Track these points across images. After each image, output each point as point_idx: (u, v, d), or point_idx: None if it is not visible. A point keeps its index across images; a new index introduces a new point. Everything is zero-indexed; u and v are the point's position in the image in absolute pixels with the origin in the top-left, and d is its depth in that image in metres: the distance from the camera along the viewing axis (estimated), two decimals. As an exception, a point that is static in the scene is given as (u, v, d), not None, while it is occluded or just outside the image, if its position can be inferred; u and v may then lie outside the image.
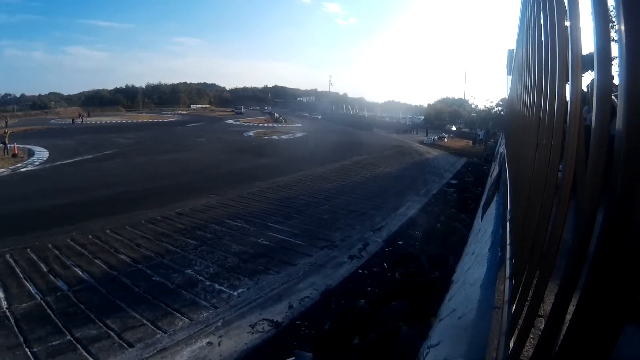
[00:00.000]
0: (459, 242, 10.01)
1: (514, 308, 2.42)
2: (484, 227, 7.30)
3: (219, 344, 7.55)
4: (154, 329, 8.08)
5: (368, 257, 12.12)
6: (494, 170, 14.36)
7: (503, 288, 3.25)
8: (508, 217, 4.87)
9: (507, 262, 3.53)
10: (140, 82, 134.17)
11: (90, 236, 13.38)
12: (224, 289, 9.67)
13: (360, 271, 11.09)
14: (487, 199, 10.09)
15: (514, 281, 2.90)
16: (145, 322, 8.32)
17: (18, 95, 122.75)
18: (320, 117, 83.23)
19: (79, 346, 7.64)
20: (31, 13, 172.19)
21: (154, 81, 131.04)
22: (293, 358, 6.93)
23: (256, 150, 35.12)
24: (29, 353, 7.51)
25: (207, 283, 9.95)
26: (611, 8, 1.17)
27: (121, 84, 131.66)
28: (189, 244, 12.71)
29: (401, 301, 7.73)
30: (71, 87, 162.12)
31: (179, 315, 8.52)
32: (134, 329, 8.12)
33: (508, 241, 4.01)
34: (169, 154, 32.55)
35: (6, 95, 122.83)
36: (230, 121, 66.95)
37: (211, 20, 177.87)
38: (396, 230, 14.69)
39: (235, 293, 9.50)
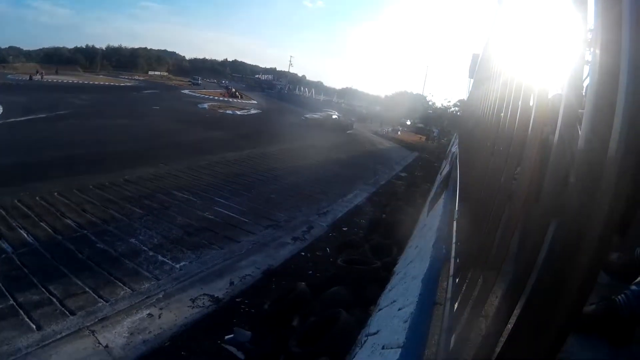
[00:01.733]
0: (403, 235, 10.11)
1: (456, 306, 2.51)
2: (429, 223, 7.51)
3: (159, 316, 7.75)
4: (96, 297, 8.17)
5: (311, 240, 12.42)
6: (445, 169, 14.61)
7: (446, 285, 3.33)
8: (455, 216, 5.03)
9: (452, 260, 3.63)
10: (100, 43, 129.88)
11: (37, 198, 13.17)
12: (167, 261, 9.80)
13: (302, 254, 11.36)
14: (435, 196, 10.29)
15: (457, 279, 2.99)
16: (87, 289, 8.38)
17: None
18: (274, 95, 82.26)
19: (20, 311, 7.65)
20: None
21: (115, 43, 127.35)
22: (232, 335, 6.96)
23: (210, 123, 35.04)
24: None
25: (151, 254, 10.07)
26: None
27: (82, 43, 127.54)
28: (135, 212, 12.74)
29: (342, 287, 7.86)
30: (31, 42, 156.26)
31: (121, 285, 8.63)
32: (76, 296, 8.18)
33: (454, 240, 4.14)
34: (122, 119, 31.87)
35: None
36: (186, 91, 65.94)
37: None
38: (341, 216, 15.00)
39: (177, 265, 9.65)
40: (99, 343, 6.89)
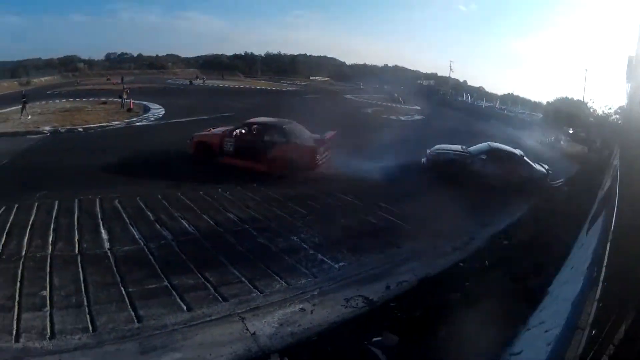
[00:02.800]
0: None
1: (593, 332, 2.42)
2: (587, 242, 7.11)
3: (312, 312, 7.89)
4: (251, 287, 8.61)
5: (471, 251, 11.88)
6: (606, 183, 13.71)
7: (590, 310, 3.16)
8: (610, 236, 4.61)
9: (600, 283, 3.42)
10: (259, 51, 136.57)
11: (200, 192, 14.39)
12: (326, 260, 9.96)
13: (461, 264, 10.99)
14: (595, 213, 9.73)
15: (601, 304, 2.85)
16: (243, 279, 8.88)
17: (135, 55, 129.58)
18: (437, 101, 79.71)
19: (174, 292, 8.39)
20: None
21: (274, 51, 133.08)
22: (380, 338, 7.08)
23: (373, 127, 34.17)
24: (123, 292, 8.38)
25: (311, 252, 10.30)
26: None
27: (240, 51, 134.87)
28: (297, 211, 13.13)
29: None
30: (189, 51, 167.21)
31: (278, 278, 8.97)
32: (231, 284, 8.72)
33: (605, 262, 3.86)
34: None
35: (123, 54, 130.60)
36: (348, 96, 66.59)
37: None
38: (503, 228, 14.24)
39: (336, 265, 9.77)
40: (247, 330, 7.23)
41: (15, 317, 7.86)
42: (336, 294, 8.58)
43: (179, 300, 8.15)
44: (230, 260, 9.69)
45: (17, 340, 7.29)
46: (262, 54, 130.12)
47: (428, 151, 20.18)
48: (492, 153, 19.29)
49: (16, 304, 8.24)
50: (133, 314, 7.74)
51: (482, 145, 20.31)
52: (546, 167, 19.47)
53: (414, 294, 8.86)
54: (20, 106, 33.55)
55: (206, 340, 7.09)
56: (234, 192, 14.58)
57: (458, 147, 20.56)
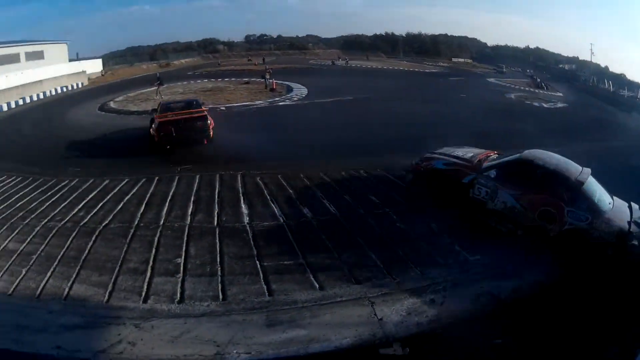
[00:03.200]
0: None
1: None
2: None
3: (441, 304, 7.68)
4: (385, 272, 8.56)
5: None
6: None
7: None
8: None
9: None
10: (400, 31, 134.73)
11: (343, 173, 14.63)
12: (462, 251, 9.48)
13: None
14: None
15: None
16: (378, 263, 8.86)
17: (275, 36, 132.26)
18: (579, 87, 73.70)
19: (308, 270, 8.63)
20: None
21: (414, 30, 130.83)
22: (500, 340, 6.77)
23: (516, 114, 32.23)
24: (258, 265, 8.81)
25: (448, 241, 9.91)
26: None
27: (380, 31, 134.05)
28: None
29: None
30: (329, 32, 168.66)
31: (412, 266, 8.80)
32: (365, 267, 8.74)
33: None
34: (429, 104, 32.44)
35: (262, 35, 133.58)
36: (492, 80, 63.85)
37: None
38: None
39: (471, 258, 9.28)
40: (375, 314, 7.24)
41: (146, 280, 8.61)
42: (467, 288, 8.27)
43: (312, 278, 8.37)
44: (368, 243, 9.70)
45: (145, 301, 7.96)
46: (403, 34, 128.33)
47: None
48: (518, 166, 10.84)
49: (149, 268, 9.04)
50: (265, 287, 8.09)
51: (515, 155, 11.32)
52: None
53: (546, 297, 8.24)
54: (155, 87, 36.09)
55: (333, 320, 7.21)
56: (376, 174, 14.53)
57: (468, 151, 12.73)
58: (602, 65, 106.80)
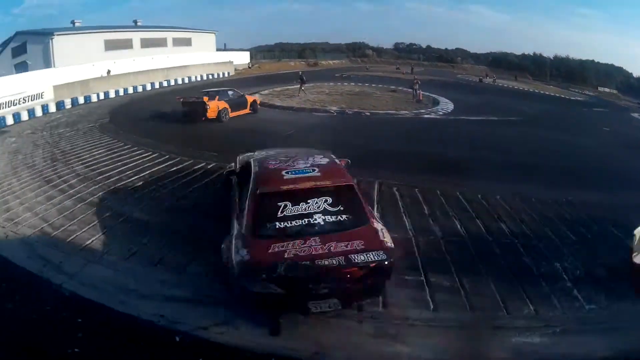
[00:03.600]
0: None
1: None
2: None
3: (546, 348, 7.47)
4: (500, 304, 8.48)
5: None
6: None
7: None
8: None
9: None
10: (547, 52, 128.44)
11: (479, 196, 14.40)
12: (580, 298, 9.01)
13: None
14: None
15: None
16: (496, 294, 8.78)
17: (424, 46, 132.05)
18: None
19: (426, 288, 8.81)
20: None
21: (562, 53, 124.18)
22: None
23: None
24: None
25: (568, 284, 9.48)
26: None
27: (528, 50, 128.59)
28: (568, 237, 11.93)
29: None
30: (478, 46, 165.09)
31: (528, 303, 8.58)
32: (482, 296, 8.71)
33: None
34: (574, 135, 30.45)
35: (411, 44, 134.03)
36: (635, 115, 58.90)
37: None
38: None
39: (587, 307, 8.78)
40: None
41: None
42: (577, 338, 7.86)
43: (428, 297, 8.51)
44: (490, 271, 9.61)
45: None
46: (551, 56, 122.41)
47: None
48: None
49: None
50: (381, 298, 8.25)
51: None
52: None
53: None
54: (298, 86, 37.52)
55: (438, 343, 7.32)
56: (512, 202, 14.16)
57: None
58: None
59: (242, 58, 77.49)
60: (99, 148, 19.90)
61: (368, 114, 30.58)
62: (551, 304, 8.71)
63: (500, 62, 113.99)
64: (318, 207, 7.66)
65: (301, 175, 8.40)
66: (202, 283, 8.76)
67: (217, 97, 26.46)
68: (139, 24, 69.77)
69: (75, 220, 11.94)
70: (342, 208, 7.81)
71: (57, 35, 50.51)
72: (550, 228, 12.40)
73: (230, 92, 27.86)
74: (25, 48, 52.57)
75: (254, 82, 49.40)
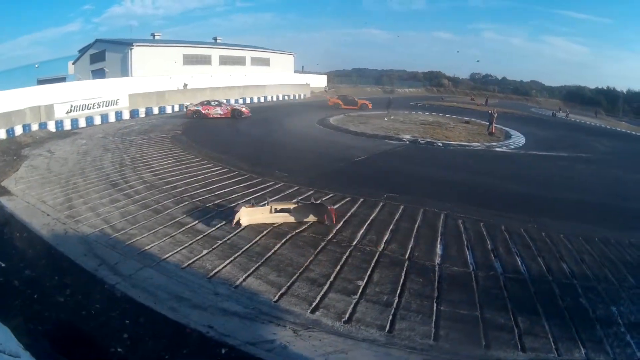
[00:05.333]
0: None
1: None
2: None
3: None
4: (552, 346, 8.28)
5: None
6: None
7: None
8: None
9: None
10: (621, 86, 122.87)
11: (543, 234, 13.95)
12: (632, 344, 8.72)
13: None
14: None
15: None
16: (549, 335, 8.57)
17: (499, 78, 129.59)
18: None
19: (481, 325, 8.69)
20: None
21: (636, 87, 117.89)
22: None
23: None
24: (434, 307, 9.07)
25: (622, 329, 9.18)
26: None
27: (602, 84, 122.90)
28: (627, 280, 11.52)
29: None
30: (552, 79, 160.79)
31: (580, 346, 8.37)
32: (535, 336, 8.52)
33: None
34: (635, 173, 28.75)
35: (487, 75, 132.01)
36: None
37: None
38: None
39: (638, 354, 8.46)
40: None
41: (322, 292, 9.28)
42: None
43: (481, 334, 8.41)
44: (546, 312, 9.38)
45: (313, 312, 8.62)
46: (624, 90, 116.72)
47: None
48: None
49: (328, 283, 9.69)
50: (433, 330, 8.33)
51: None
52: None
53: None
54: (387, 111, 37.83)
55: None
56: (575, 242, 13.61)
57: None
58: None
59: (319, 81, 78.48)
60: (168, 158, 20.95)
61: (440, 144, 30.40)
62: (602, 349, 8.44)
63: (574, 96, 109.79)
64: None
65: None
66: (258, 300, 9.02)
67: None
68: (218, 41, 72.04)
69: (136, 225, 12.61)
70: None
71: (137, 46, 53.28)
72: (612, 270, 11.96)
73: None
74: (104, 56, 55.67)
75: (328, 106, 50.01)
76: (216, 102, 38.20)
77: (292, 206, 13.14)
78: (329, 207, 13.08)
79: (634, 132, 64.21)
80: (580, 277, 11.28)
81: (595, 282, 11.16)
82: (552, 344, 8.32)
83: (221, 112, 37.61)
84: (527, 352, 8.01)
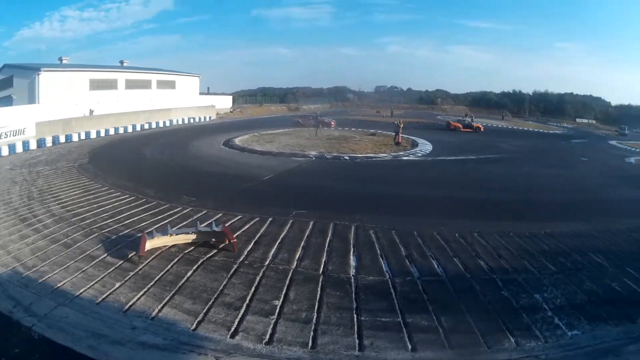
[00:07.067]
0: None
1: None
2: None
3: None
4: (480, 340, 8.49)
5: None
6: None
7: None
8: None
9: None
10: (526, 88, 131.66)
11: (456, 234, 14.54)
12: (561, 326, 9.22)
13: None
14: None
15: None
16: (475, 330, 8.79)
17: (405, 89, 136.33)
18: None
19: (404, 330, 8.74)
20: (410, 13, 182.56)
21: (541, 88, 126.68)
22: None
23: (635, 181, 30.10)
24: (355, 319, 9.04)
25: (549, 314, 9.66)
26: None
27: (508, 87, 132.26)
28: (547, 268, 12.24)
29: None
30: (457, 87, 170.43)
31: (509, 336, 8.65)
32: (462, 333, 8.71)
33: None
34: (549, 169, 31.63)
35: (393, 87, 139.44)
36: (613, 142, 59.89)
37: (594, 25, 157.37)
38: None
39: (569, 333, 9.01)
40: None
41: (239, 317, 9.08)
42: None
43: (406, 338, 8.46)
44: (469, 308, 9.65)
45: (232, 336, 8.42)
46: (530, 92, 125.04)
47: None
48: None
49: (244, 305, 9.52)
50: (357, 341, 8.30)
51: None
52: None
53: None
54: (316, 127, 40.93)
55: None
56: (489, 238, 14.31)
57: None
58: None
59: (224, 102, 78.23)
60: (76, 188, 19.78)
61: (347, 157, 30.97)
62: (532, 335, 8.77)
63: (480, 101, 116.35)
64: None
65: None
66: (176, 330, 8.63)
67: None
68: (125, 64, 70.34)
69: (47, 261, 11.72)
70: None
71: (44, 71, 50.19)
72: (530, 261, 12.62)
73: None
74: (12, 82, 52.49)
75: (234, 127, 50.12)
76: None
77: (192, 237, 12.75)
78: (224, 228, 12.81)
79: (540, 130, 68.89)
80: (499, 271, 11.78)
81: (515, 274, 11.68)
82: (480, 337, 8.52)
83: None
84: (455, 349, 8.15)
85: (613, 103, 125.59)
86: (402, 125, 39.68)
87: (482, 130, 56.69)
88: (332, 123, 53.01)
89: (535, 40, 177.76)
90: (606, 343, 8.86)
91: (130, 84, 60.92)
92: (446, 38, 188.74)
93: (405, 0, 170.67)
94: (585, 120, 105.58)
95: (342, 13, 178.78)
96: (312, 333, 8.48)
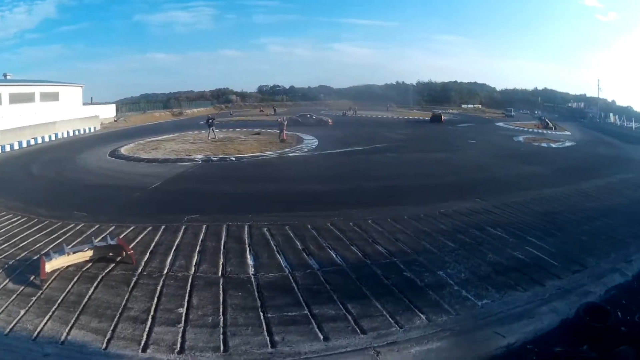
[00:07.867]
0: None
1: None
2: None
3: (450, 350, 7.77)
4: (391, 321, 8.65)
5: (619, 293, 10.70)
6: None
7: None
8: None
9: None
10: (410, 80, 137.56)
11: (351, 223, 14.78)
12: (470, 297, 9.67)
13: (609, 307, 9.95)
14: None
15: None
16: (384, 313, 8.95)
17: (287, 87, 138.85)
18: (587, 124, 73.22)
19: (313, 321, 8.72)
20: (289, 13, 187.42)
21: (424, 79, 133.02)
22: None
23: (525, 157, 33.27)
24: (261, 317, 8.92)
25: (455, 288, 10.08)
26: None
27: (391, 80, 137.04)
28: (447, 245, 12.87)
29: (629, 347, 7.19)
30: (341, 82, 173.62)
31: (419, 314, 8.90)
32: (372, 317, 8.82)
33: None
34: (438, 153, 33.61)
35: (275, 86, 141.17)
36: (500, 124, 65.03)
37: (475, 18, 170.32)
38: None
39: (479, 303, 9.45)
40: None
41: (147, 329, 8.71)
42: (476, 333, 8.41)
43: (316, 329, 8.44)
44: (374, 293, 9.80)
45: (144, 350, 8.06)
46: (414, 83, 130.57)
47: None
48: None
49: (150, 317, 9.14)
50: (268, 338, 8.18)
51: None
52: None
53: (554, 336, 8.40)
54: (209, 129, 41.02)
55: None
56: (385, 224, 14.69)
57: None
58: (609, 99, 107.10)
59: (108, 112, 75.16)
60: None
61: (233, 158, 30.62)
62: (442, 309, 9.06)
63: (364, 95, 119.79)
64: None
65: None
66: (87, 351, 8.11)
67: None
68: (8, 77, 65.94)
69: None
70: None
71: None
72: (429, 240, 13.11)
73: None
74: None
75: (119, 136, 48.17)
76: None
77: (89, 254, 12.12)
78: (119, 241, 12.29)
79: (425, 118, 71.44)
80: (399, 254, 12.10)
81: (415, 255, 12.07)
82: (390, 319, 8.67)
83: None
84: (367, 333, 8.23)
85: (498, 88, 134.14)
86: (285, 123, 40.11)
87: (330, 124, 56.61)
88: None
89: (416, 34, 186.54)
90: (519, 307, 9.36)
91: (15, 98, 56.74)
92: (326, 36, 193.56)
93: (284, 1, 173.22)
94: (471, 106, 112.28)
95: (222, 15, 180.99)
96: (222, 336, 8.28)
